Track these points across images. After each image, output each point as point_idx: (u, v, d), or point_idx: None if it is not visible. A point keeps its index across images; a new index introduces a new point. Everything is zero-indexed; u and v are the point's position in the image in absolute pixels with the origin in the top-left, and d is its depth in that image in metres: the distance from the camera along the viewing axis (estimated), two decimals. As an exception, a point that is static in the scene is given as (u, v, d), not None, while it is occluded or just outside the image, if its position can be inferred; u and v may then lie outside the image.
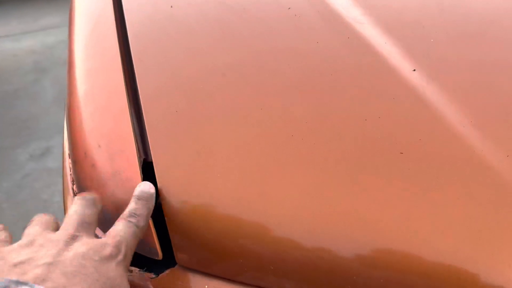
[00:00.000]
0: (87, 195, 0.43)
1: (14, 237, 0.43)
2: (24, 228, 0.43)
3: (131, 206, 0.41)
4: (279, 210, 0.42)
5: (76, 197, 0.42)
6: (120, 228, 0.38)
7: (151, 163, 0.47)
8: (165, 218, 0.44)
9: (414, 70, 0.49)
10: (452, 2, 0.58)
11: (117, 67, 0.56)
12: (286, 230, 0.41)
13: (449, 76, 0.48)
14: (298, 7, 0.58)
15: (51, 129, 2.51)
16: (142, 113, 0.51)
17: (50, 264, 0.32)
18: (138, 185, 0.42)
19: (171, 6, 0.63)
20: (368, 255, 0.39)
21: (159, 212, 0.45)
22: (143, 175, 0.47)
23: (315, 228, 0.41)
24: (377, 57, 0.50)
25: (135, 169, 0.47)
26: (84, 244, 0.35)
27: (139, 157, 0.48)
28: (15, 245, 0.36)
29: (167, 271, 0.45)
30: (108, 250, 0.35)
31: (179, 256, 0.44)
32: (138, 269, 0.46)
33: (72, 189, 0.57)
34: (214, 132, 0.48)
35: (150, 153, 0.48)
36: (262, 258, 0.42)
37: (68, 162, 0.61)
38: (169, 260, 0.45)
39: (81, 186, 0.51)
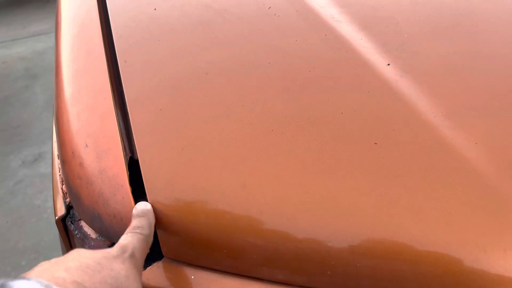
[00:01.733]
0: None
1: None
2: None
3: (133, 223, 0.43)
4: (260, 201, 0.44)
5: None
6: (124, 237, 0.41)
7: (137, 160, 0.48)
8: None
9: (389, 64, 0.51)
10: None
11: (102, 68, 0.58)
12: (267, 219, 0.43)
13: (421, 70, 0.50)
14: (278, 7, 0.60)
15: (43, 135, 2.51)
16: (127, 112, 0.53)
17: (55, 263, 0.34)
18: (134, 207, 0.44)
19: (155, 9, 0.64)
20: (346, 240, 0.41)
21: None
22: (129, 172, 0.49)
23: (294, 216, 0.43)
24: (353, 53, 0.52)
25: (122, 167, 0.49)
26: (95, 253, 0.37)
27: (125, 155, 0.49)
28: None
29: (154, 264, 0.46)
30: (113, 252, 0.38)
31: (165, 249, 0.46)
32: None
33: (62, 189, 0.58)
34: (197, 128, 0.50)
35: (136, 150, 0.49)
36: (245, 248, 0.44)
37: (57, 163, 0.62)
38: (156, 254, 0.46)
39: (69, 185, 0.52)
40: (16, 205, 1.96)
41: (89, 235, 0.52)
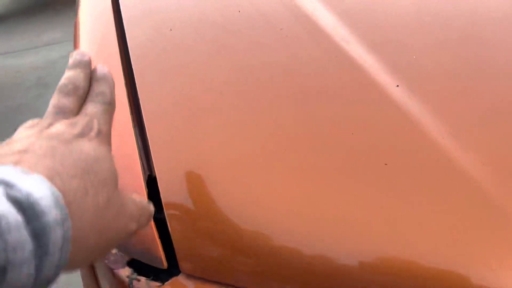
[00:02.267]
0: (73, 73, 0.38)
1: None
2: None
3: (93, 88, 0.38)
4: (274, 218, 0.45)
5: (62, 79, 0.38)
6: (88, 108, 0.37)
7: (155, 178, 0.50)
8: (169, 229, 0.48)
9: (398, 86, 0.52)
10: (432, 19, 0.61)
11: (120, 88, 0.60)
12: (279, 236, 0.45)
13: (430, 91, 0.52)
14: (290, 28, 0.62)
15: (54, 143, 2.55)
16: (145, 131, 0.55)
17: (23, 152, 0.30)
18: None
19: (171, 29, 0.67)
20: (356, 256, 0.43)
21: (163, 223, 0.48)
22: (147, 189, 0.51)
23: (308, 233, 0.44)
24: (362, 74, 0.54)
25: (140, 184, 0.51)
26: (55, 128, 0.34)
27: (144, 173, 0.51)
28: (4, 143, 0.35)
29: (172, 279, 0.48)
30: (77, 129, 0.34)
31: (183, 264, 0.48)
32: (145, 278, 0.49)
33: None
34: (212, 147, 0.52)
35: (154, 168, 0.51)
36: (262, 265, 0.45)
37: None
38: (173, 269, 0.48)
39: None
40: (29, 213, 1.99)
41: (108, 250, 0.54)
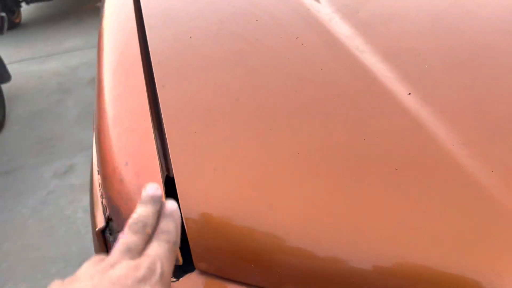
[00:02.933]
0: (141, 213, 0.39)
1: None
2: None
3: (160, 226, 0.39)
4: (286, 221, 0.47)
5: (129, 222, 0.39)
6: (152, 247, 0.37)
7: (173, 178, 0.53)
8: (185, 227, 0.49)
9: (410, 94, 0.54)
10: (445, 29, 0.63)
11: (142, 93, 0.63)
12: (292, 238, 0.46)
13: (441, 99, 0.53)
14: (305, 37, 0.64)
15: (74, 147, 2.62)
16: (164, 134, 0.57)
17: None
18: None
19: (190, 37, 0.69)
20: (366, 261, 0.44)
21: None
22: (165, 189, 0.53)
23: (318, 236, 0.46)
24: (375, 82, 0.56)
25: (159, 184, 0.53)
26: (119, 269, 0.34)
27: (162, 173, 0.54)
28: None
29: (186, 276, 0.50)
30: (141, 272, 0.34)
31: (197, 261, 0.49)
32: None
33: (102, 202, 0.63)
34: (228, 151, 0.54)
35: (172, 169, 0.53)
36: (272, 264, 0.47)
37: (97, 178, 0.67)
38: (188, 265, 0.50)
39: (109, 199, 0.57)
40: (48, 215, 2.04)
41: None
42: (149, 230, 0.38)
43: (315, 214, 0.47)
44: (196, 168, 0.53)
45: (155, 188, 0.40)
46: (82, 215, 2.03)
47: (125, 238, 0.37)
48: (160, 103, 0.61)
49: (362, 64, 0.58)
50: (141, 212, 0.39)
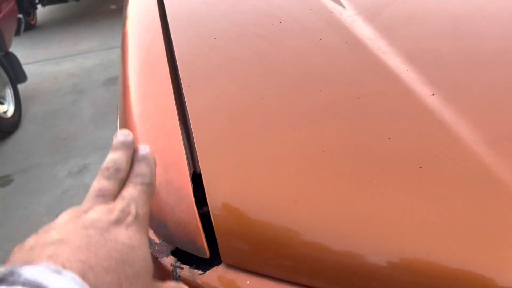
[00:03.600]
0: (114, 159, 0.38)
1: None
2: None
3: (134, 169, 0.39)
4: (310, 216, 0.48)
5: (101, 168, 0.38)
6: (126, 190, 0.37)
7: (200, 174, 0.54)
8: (212, 222, 0.51)
9: (433, 94, 0.55)
10: (467, 31, 0.64)
11: (168, 92, 0.65)
12: (316, 233, 0.47)
13: (464, 100, 0.54)
14: (329, 39, 0.66)
15: (88, 147, 2.65)
16: (191, 132, 0.59)
17: (59, 242, 0.30)
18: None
19: (215, 38, 0.71)
20: (387, 256, 0.45)
21: (207, 216, 0.52)
22: (192, 184, 0.54)
23: (340, 231, 0.47)
24: (399, 83, 0.57)
25: (186, 179, 0.54)
26: (92, 213, 0.34)
27: (189, 169, 0.55)
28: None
29: (213, 268, 0.51)
30: (115, 214, 0.34)
31: (224, 255, 0.51)
32: (188, 266, 0.52)
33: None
34: (253, 148, 0.55)
35: (199, 165, 0.55)
36: (295, 258, 0.48)
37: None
38: (215, 259, 0.52)
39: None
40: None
41: (153, 240, 0.57)
42: (122, 175, 0.38)
43: (338, 210, 0.48)
44: (222, 165, 0.55)
45: (125, 133, 0.39)
46: (97, 214, 2.05)
47: (97, 184, 0.37)
48: (186, 102, 0.62)
49: (385, 65, 0.59)
50: (112, 157, 0.38)
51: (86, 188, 2.30)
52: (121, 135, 0.39)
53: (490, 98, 0.54)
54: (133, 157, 0.39)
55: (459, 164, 0.48)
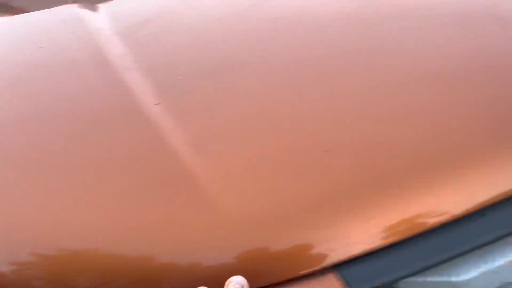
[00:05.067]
0: None
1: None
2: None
3: None
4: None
5: None
6: None
7: None
8: None
9: (159, 103, 0.60)
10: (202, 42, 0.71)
11: None
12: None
13: (180, 107, 0.60)
14: (82, 60, 0.70)
15: None
16: None
17: None
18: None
19: None
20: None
21: None
22: None
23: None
24: (128, 96, 0.62)
25: None
26: None
27: None
28: None
29: None
30: None
31: None
32: None
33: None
34: None
35: None
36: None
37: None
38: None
39: None
40: None
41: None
42: None
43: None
44: None
45: (240, 282, 0.40)
46: None
47: None
48: None
49: (123, 81, 0.64)
50: None
51: None
52: (237, 283, 0.39)
53: (205, 102, 0.61)
54: None
55: (163, 165, 0.54)
